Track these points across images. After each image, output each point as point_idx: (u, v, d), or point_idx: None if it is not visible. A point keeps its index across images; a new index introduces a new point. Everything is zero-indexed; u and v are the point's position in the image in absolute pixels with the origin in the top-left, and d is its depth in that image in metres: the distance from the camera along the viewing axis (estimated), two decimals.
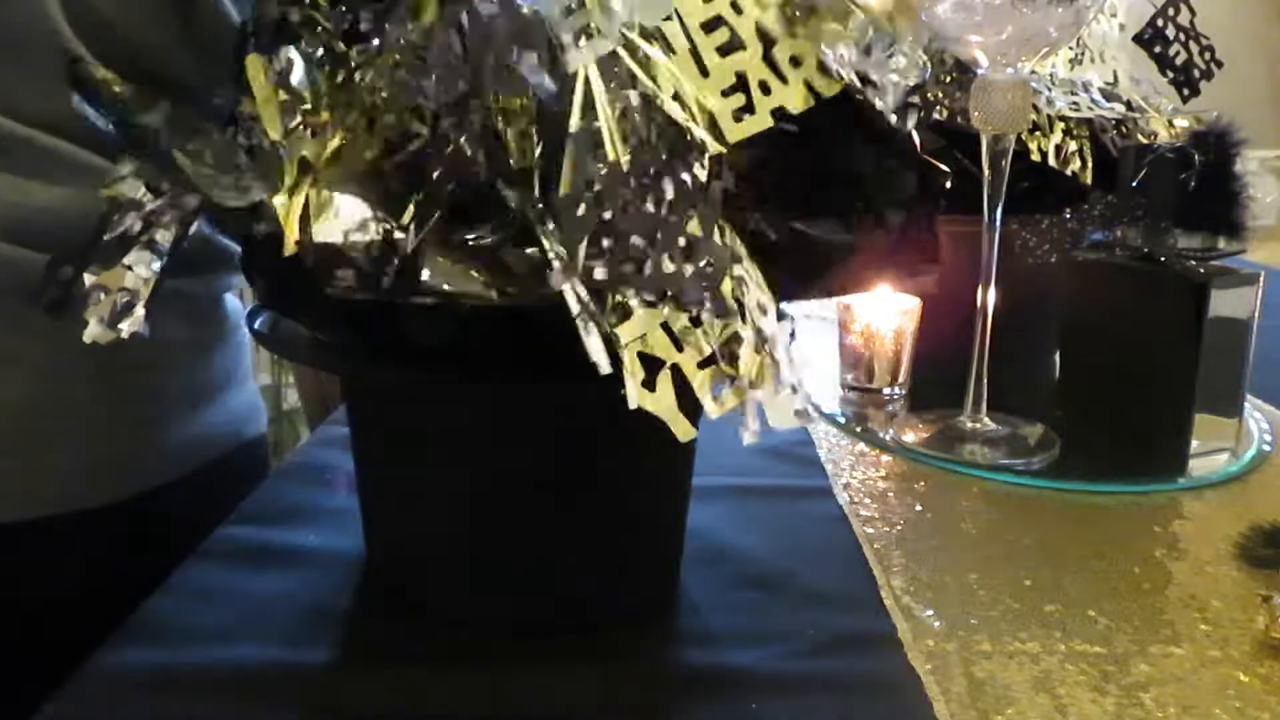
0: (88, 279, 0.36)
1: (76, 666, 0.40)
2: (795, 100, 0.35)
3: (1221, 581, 0.49)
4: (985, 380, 0.64)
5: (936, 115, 0.73)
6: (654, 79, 0.33)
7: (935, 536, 0.53)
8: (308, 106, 0.34)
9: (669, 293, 0.31)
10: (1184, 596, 0.47)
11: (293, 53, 0.34)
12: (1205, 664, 0.42)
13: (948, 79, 0.74)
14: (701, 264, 0.31)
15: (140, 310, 0.37)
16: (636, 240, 0.31)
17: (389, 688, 0.40)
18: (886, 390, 0.75)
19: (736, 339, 0.33)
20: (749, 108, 0.34)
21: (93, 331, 0.36)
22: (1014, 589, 0.48)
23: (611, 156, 0.31)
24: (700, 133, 0.33)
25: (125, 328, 0.37)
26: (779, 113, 0.34)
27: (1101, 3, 0.55)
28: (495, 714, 0.39)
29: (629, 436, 0.38)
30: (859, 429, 0.69)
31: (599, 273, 0.31)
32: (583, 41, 0.30)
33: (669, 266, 0.31)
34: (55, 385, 0.53)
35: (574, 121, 0.31)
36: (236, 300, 0.68)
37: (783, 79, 0.35)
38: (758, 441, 0.33)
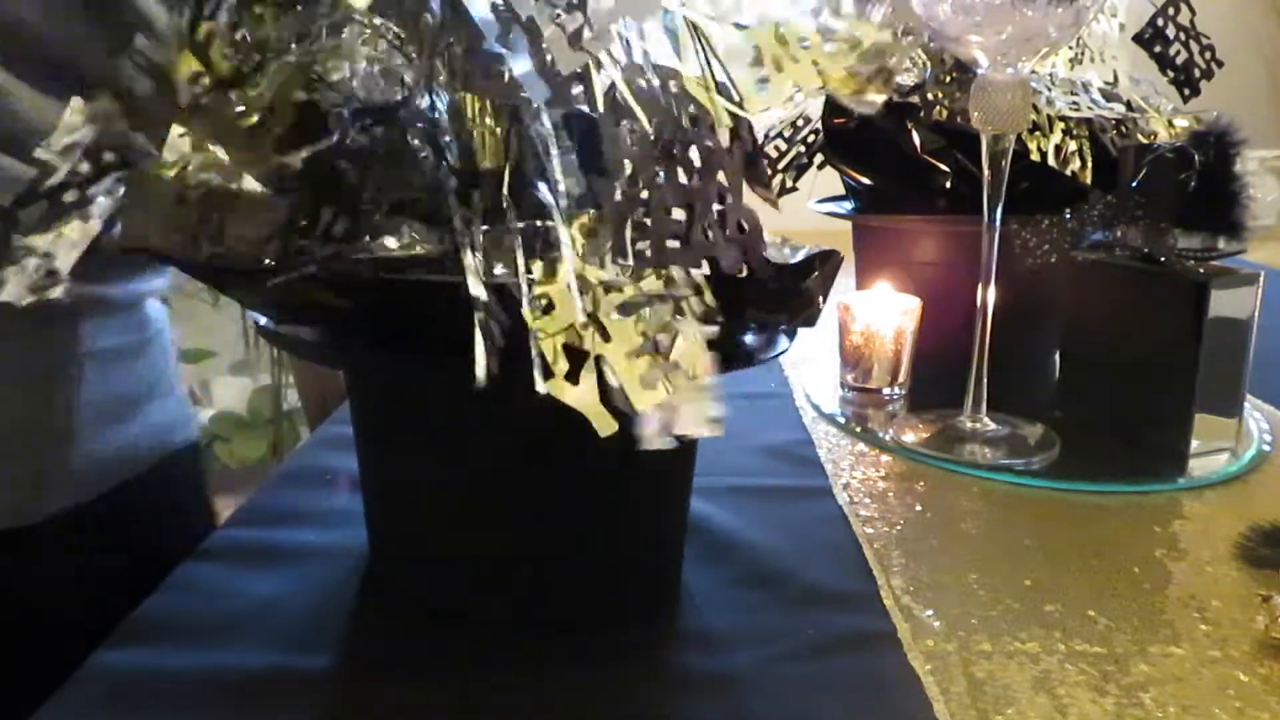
0: (16, 240, 0.35)
1: None
2: (806, 80, 0.35)
3: (1221, 581, 0.49)
4: (985, 380, 0.64)
5: (936, 115, 0.73)
6: (677, 53, 0.33)
7: (935, 536, 0.53)
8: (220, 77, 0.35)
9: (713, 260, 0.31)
10: (1184, 596, 0.47)
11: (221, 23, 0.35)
12: (1205, 664, 0.42)
13: (948, 79, 0.74)
14: (735, 227, 0.31)
15: (64, 276, 0.36)
16: (677, 214, 0.31)
17: (389, 688, 0.40)
18: (886, 390, 0.75)
19: (671, 329, 0.33)
20: (767, 82, 0.35)
21: (12, 292, 0.36)
22: (1014, 589, 0.48)
23: (640, 128, 0.31)
24: (721, 102, 0.33)
25: (48, 292, 0.36)
26: (794, 88, 0.35)
27: (1101, 3, 0.55)
28: (495, 714, 0.39)
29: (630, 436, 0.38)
30: (859, 429, 0.69)
31: (644, 250, 0.31)
32: (577, 44, 0.30)
33: (708, 235, 0.31)
34: None
35: (599, 105, 0.31)
36: (159, 306, 0.65)
37: (794, 58, 0.35)
38: (746, 439, 0.33)
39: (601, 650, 0.42)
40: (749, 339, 0.42)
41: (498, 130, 0.38)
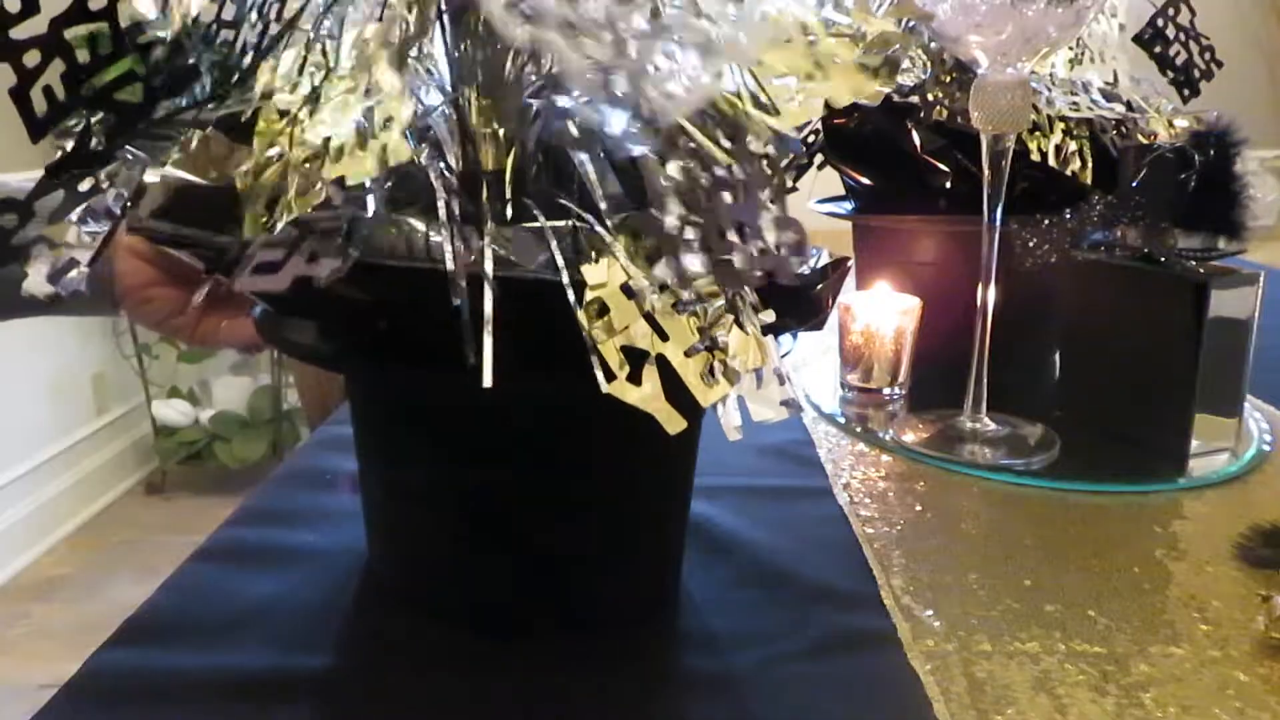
0: (32, 230, 0.34)
1: None
2: (839, 94, 0.35)
3: (1221, 581, 0.49)
4: (985, 380, 0.64)
5: (936, 115, 0.73)
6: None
7: (935, 536, 0.53)
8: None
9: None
10: (1184, 596, 0.47)
11: None
12: (1205, 664, 0.42)
13: (948, 79, 0.74)
14: (784, 236, 0.31)
15: (84, 268, 0.36)
16: (731, 236, 0.31)
17: (389, 688, 0.40)
18: (886, 390, 0.75)
19: (723, 323, 0.33)
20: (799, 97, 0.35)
21: (33, 285, 0.35)
22: (1014, 589, 0.48)
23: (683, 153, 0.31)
24: (756, 114, 0.33)
25: (65, 285, 0.35)
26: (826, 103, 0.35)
27: (1101, 3, 0.55)
28: (496, 714, 0.39)
29: (630, 436, 0.38)
30: (859, 429, 0.69)
31: (700, 277, 0.31)
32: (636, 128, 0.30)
33: (760, 251, 0.31)
34: None
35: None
36: None
37: (825, 74, 0.35)
38: (746, 439, 0.33)
39: (602, 651, 0.42)
40: None
41: (500, 132, 0.38)
